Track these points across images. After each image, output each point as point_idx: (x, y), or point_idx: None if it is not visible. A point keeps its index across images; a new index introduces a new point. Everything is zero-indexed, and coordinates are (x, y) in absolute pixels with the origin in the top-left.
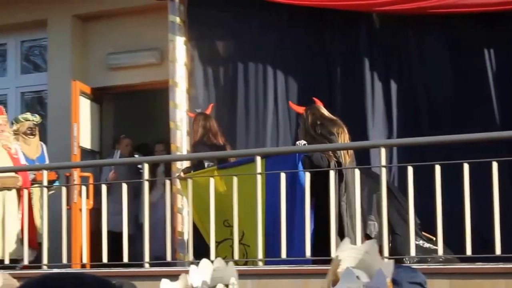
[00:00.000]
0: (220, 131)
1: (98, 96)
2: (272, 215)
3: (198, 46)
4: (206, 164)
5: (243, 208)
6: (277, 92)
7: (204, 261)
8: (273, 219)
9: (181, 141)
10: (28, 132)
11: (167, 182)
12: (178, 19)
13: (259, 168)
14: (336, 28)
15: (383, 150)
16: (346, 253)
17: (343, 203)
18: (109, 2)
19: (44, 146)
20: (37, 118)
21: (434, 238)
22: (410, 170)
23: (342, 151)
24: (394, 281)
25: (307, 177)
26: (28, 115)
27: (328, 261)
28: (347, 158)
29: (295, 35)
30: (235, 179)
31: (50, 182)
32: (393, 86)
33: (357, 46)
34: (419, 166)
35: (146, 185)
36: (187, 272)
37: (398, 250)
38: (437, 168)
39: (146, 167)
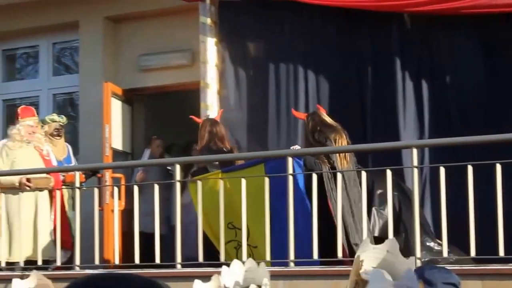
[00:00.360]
0: (228, 136)
1: (129, 97)
2: (275, 217)
3: (229, 47)
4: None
5: (248, 210)
6: (308, 93)
7: (235, 262)
8: (278, 220)
9: None
10: (55, 133)
11: (199, 183)
12: (209, 20)
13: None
14: (367, 29)
15: (415, 151)
16: (368, 253)
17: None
18: (140, 4)
19: (69, 147)
20: (63, 119)
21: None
22: (442, 170)
23: (338, 156)
24: (428, 282)
25: (312, 180)
26: (54, 116)
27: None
28: (344, 162)
29: (326, 36)
30: (243, 182)
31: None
32: (425, 87)
33: (388, 47)
34: (451, 167)
35: (177, 186)
36: (219, 273)
37: (409, 251)
38: (470, 169)
39: (177, 168)
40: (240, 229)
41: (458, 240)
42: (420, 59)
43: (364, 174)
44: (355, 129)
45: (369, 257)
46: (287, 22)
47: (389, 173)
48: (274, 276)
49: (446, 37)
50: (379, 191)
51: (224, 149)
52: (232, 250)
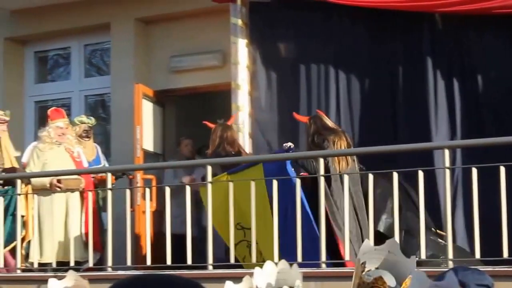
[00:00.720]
0: (239, 142)
1: (160, 98)
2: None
3: (260, 48)
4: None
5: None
6: (338, 93)
7: (268, 263)
8: (281, 222)
9: (244, 144)
10: (84, 134)
11: (230, 184)
12: (240, 21)
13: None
14: (398, 29)
15: (446, 152)
16: (369, 255)
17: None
18: (171, 5)
19: (98, 147)
20: (92, 121)
21: (445, 234)
22: (474, 171)
23: (336, 158)
24: (462, 283)
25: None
26: (83, 117)
27: None
28: (342, 163)
29: (356, 37)
30: (252, 184)
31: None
32: (456, 87)
33: (419, 47)
34: (483, 168)
35: (209, 188)
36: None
37: (409, 251)
38: (502, 170)
39: (209, 169)
40: (249, 229)
41: (490, 241)
42: (451, 60)
43: (396, 175)
44: (386, 130)
45: (371, 258)
46: (318, 23)
47: (421, 174)
48: (305, 278)
49: (478, 37)
50: (378, 190)
51: (233, 153)
52: (244, 250)
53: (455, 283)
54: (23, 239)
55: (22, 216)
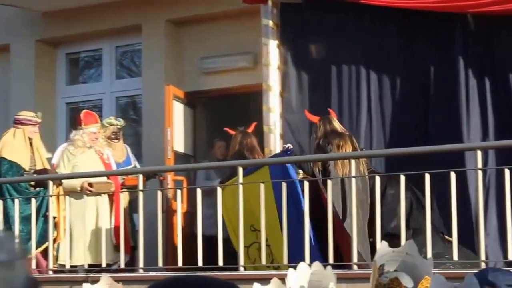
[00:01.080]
0: (258, 148)
1: (191, 100)
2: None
3: (291, 49)
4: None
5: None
6: (370, 94)
7: (302, 264)
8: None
9: (275, 145)
10: (113, 136)
11: (261, 185)
12: (271, 23)
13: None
14: (429, 30)
15: (479, 153)
16: (387, 257)
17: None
18: (202, 7)
19: (128, 148)
20: (121, 122)
21: (451, 240)
22: (507, 172)
23: (339, 163)
24: (492, 284)
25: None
26: (112, 119)
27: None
28: (346, 170)
29: (388, 37)
30: (261, 186)
31: (135, 187)
32: (488, 87)
33: (451, 48)
34: None
35: (240, 189)
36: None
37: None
38: None
39: (240, 170)
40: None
41: None
42: (483, 60)
43: (428, 177)
44: (418, 131)
45: (389, 260)
46: (349, 24)
47: (453, 175)
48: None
49: (510, 37)
50: (391, 191)
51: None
52: (255, 252)
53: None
54: (54, 241)
55: (54, 218)
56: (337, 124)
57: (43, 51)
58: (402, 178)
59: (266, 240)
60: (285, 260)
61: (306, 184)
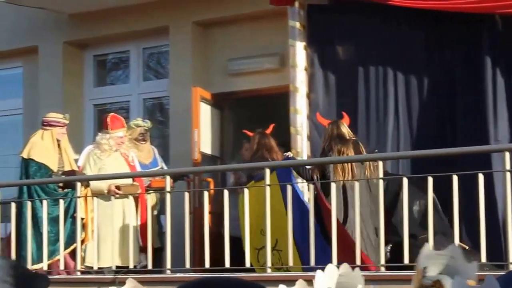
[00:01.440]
0: (277, 149)
1: (218, 101)
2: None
3: (318, 51)
4: None
5: (273, 216)
6: (397, 95)
7: (330, 266)
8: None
9: (302, 146)
10: (140, 138)
11: (289, 187)
12: (298, 24)
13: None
14: (457, 31)
15: (507, 155)
16: (431, 260)
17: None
18: (229, 9)
19: (155, 150)
20: (148, 124)
21: (467, 247)
22: None
23: (339, 168)
24: None
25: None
26: (139, 121)
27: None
28: (347, 176)
29: (415, 38)
30: (267, 189)
31: (162, 188)
32: None
33: (479, 48)
34: None
35: (267, 190)
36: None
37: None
38: None
39: (267, 172)
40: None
41: None
42: (511, 61)
43: (456, 178)
44: (445, 133)
45: (433, 263)
46: (376, 25)
47: (481, 177)
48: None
49: None
50: (416, 208)
51: (269, 159)
52: (264, 256)
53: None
54: (82, 242)
55: (82, 219)
56: (345, 129)
57: (71, 53)
58: (430, 180)
59: (275, 244)
60: (291, 262)
61: (311, 187)
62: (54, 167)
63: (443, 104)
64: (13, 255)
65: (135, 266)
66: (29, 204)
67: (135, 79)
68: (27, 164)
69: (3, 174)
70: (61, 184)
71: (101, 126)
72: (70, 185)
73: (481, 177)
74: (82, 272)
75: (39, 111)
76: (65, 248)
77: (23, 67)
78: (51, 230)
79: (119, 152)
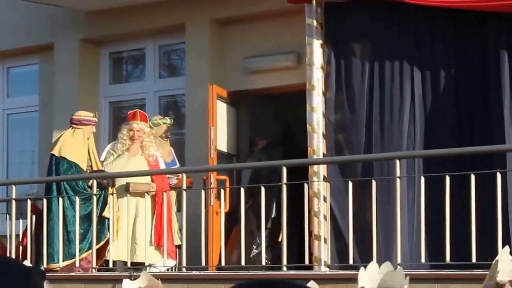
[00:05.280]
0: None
1: (234, 99)
2: None
3: (335, 49)
4: None
5: None
6: (414, 94)
7: (372, 264)
8: None
9: (318, 145)
10: (164, 135)
11: (305, 185)
12: (315, 22)
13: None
14: (475, 29)
15: None
16: (504, 265)
17: None
18: (246, 6)
19: (172, 150)
20: (171, 121)
21: None
22: None
23: None
24: None
25: None
26: (165, 118)
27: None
28: None
29: (433, 37)
30: (350, 184)
31: (179, 186)
32: None
33: (496, 48)
34: None
35: (284, 189)
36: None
37: None
38: None
39: (284, 170)
40: None
41: None
42: None
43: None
44: (461, 131)
45: (504, 269)
46: (393, 24)
47: (499, 176)
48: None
49: None
50: None
51: None
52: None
53: None
54: (107, 241)
55: (108, 219)
56: None
57: (87, 50)
58: (447, 180)
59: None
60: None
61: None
62: (84, 166)
63: (460, 103)
64: (30, 252)
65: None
66: (60, 201)
67: (151, 76)
68: (57, 162)
69: (19, 171)
70: (90, 184)
71: (118, 123)
72: (99, 185)
73: (499, 176)
74: (98, 269)
75: (55, 108)
76: (90, 248)
77: (39, 64)
78: (72, 229)
79: (142, 155)
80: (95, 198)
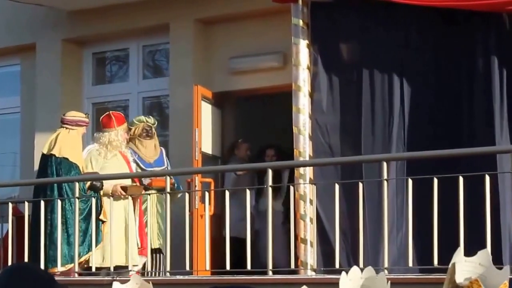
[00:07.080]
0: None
1: (219, 100)
2: None
3: (321, 49)
4: None
5: None
6: (403, 96)
7: (354, 269)
8: None
9: (304, 146)
10: (144, 134)
11: (291, 188)
12: (301, 22)
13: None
14: (464, 29)
15: None
16: (460, 266)
17: None
18: (231, 6)
19: (163, 150)
20: (151, 120)
21: None
22: None
23: None
24: None
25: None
26: (142, 117)
27: None
28: None
29: (421, 37)
30: (337, 187)
31: (163, 188)
32: None
33: (486, 47)
34: None
35: (269, 191)
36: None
37: None
38: None
39: (270, 173)
40: None
41: None
42: None
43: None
44: (452, 134)
45: (461, 270)
46: (381, 23)
47: (487, 178)
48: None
49: None
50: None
51: None
52: None
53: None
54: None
55: (103, 222)
56: None
57: (69, 51)
58: (435, 182)
59: None
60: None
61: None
62: (81, 167)
63: (449, 104)
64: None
65: (123, 268)
66: (59, 203)
67: (135, 77)
68: (58, 162)
69: (1, 173)
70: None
71: (100, 124)
72: (94, 188)
73: (487, 179)
74: (79, 274)
75: (37, 109)
76: (89, 251)
77: (20, 64)
78: (72, 231)
79: (118, 152)
80: (93, 201)
